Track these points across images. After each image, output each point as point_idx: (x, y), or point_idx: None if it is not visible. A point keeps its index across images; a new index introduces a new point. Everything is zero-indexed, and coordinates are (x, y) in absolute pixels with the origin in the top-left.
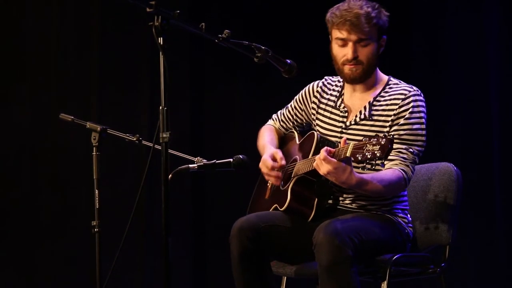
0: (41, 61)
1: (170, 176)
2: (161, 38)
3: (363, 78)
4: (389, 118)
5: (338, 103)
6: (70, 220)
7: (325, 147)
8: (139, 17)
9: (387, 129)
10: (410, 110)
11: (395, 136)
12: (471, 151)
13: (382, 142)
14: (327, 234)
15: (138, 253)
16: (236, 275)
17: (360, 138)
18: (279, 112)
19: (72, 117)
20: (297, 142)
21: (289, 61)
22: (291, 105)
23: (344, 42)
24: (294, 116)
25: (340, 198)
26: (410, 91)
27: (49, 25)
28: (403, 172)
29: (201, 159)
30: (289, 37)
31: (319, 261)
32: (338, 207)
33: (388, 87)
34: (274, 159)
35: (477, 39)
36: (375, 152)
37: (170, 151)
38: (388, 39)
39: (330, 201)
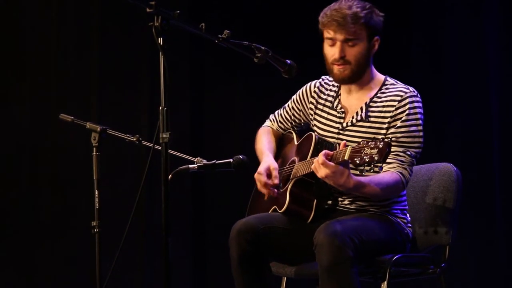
0: (41, 61)
1: (170, 176)
2: (161, 38)
3: (352, 78)
4: (386, 120)
5: (335, 103)
6: (70, 220)
7: (324, 151)
8: (139, 17)
9: (384, 131)
10: (407, 112)
11: (392, 139)
12: (471, 151)
13: (380, 146)
14: (328, 234)
15: (138, 253)
16: (236, 277)
17: (357, 139)
18: (276, 112)
19: (72, 118)
20: (295, 143)
21: (289, 61)
22: (288, 105)
23: (332, 42)
24: (292, 117)
25: (339, 199)
26: (406, 92)
27: (49, 25)
28: (401, 175)
29: (201, 159)
30: (289, 37)
31: (319, 262)
32: (337, 208)
33: (384, 87)
34: (269, 173)
35: (477, 39)
36: (373, 155)
37: (170, 151)
38: (388, 39)
39: (329, 202)
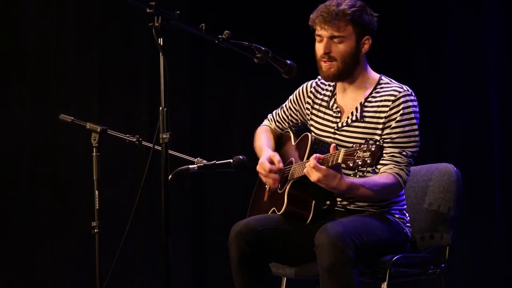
0: (41, 61)
1: (170, 176)
2: (161, 39)
3: (339, 76)
4: (381, 121)
5: (331, 103)
6: (70, 220)
7: (315, 155)
8: (139, 17)
9: (380, 131)
10: (401, 112)
11: (387, 140)
12: (471, 151)
13: (372, 149)
14: (330, 236)
15: (138, 253)
16: (235, 278)
17: (353, 140)
18: (274, 112)
19: (72, 118)
20: (293, 143)
21: (289, 61)
22: (286, 105)
23: (320, 38)
24: (289, 117)
25: (338, 200)
26: (400, 92)
27: (49, 25)
28: (398, 176)
29: (201, 159)
30: (289, 37)
31: (320, 263)
32: (336, 208)
33: (379, 86)
34: (271, 162)
35: (477, 39)
36: (366, 159)
37: (170, 151)
38: (388, 39)
39: (328, 203)
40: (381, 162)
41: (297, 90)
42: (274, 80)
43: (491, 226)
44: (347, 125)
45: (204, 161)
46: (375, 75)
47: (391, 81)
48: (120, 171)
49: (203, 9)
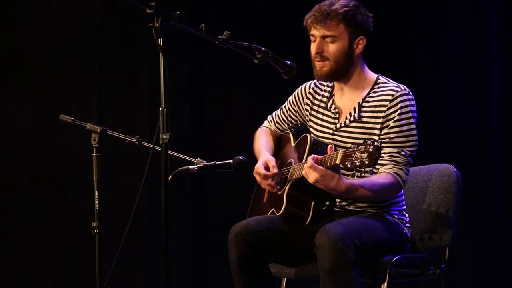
0: (41, 61)
1: (170, 177)
2: (161, 39)
3: (332, 76)
4: (379, 121)
5: (329, 104)
6: (70, 220)
7: (312, 155)
8: (139, 17)
9: (378, 131)
10: (399, 111)
11: (386, 140)
12: (471, 151)
13: (370, 150)
14: (330, 236)
15: (138, 254)
16: (235, 279)
17: (351, 140)
18: (274, 113)
19: (72, 118)
20: (292, 144)
21: (289, 62)
22: (285, 106)
23: (314, 38)
24: (289, 118)
25: (337, 200)
26: (397, 91)
27: (49, 25)
28: (397, 176)
29: (201, 160)
30: (289, 37)
31: (320, 264)
32: (335, 209)
33: (376, 86)
34: (266, 167)
35: (477, 39)
36: (363, 159)
37: (170, 152)
38: (388, 40)
39: (327, 204)
40: (380, 162)
41: (296, 91)
42: (274, 80)
43: (491, 226)
44: (345, 125)
45: (204, 161)
46: (372, 75)
47: (388, 80)
48: (120, 172)
49: (203, 10)
